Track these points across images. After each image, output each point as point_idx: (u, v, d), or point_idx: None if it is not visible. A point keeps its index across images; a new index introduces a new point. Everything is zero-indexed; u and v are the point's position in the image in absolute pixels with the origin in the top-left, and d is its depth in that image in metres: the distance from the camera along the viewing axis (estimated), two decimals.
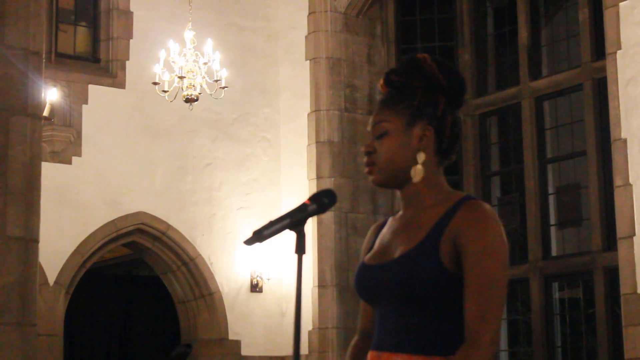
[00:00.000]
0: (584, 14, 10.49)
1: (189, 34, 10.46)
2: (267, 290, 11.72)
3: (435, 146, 2.62)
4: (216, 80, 10.30)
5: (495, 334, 2.44)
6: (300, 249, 2.39)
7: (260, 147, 12.03)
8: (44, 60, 6.14)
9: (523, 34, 11.08)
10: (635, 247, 8.95)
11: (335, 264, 11.38)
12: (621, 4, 9.30)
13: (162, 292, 12.40)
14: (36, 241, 5.93)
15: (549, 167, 10.94)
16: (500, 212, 11.14)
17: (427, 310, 2.51)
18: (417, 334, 2.51)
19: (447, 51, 11.76)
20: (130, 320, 14.92)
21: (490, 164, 11.53)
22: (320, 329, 11.33)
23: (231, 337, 11.58)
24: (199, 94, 10.34)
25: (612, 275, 9.68)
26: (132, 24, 11.51)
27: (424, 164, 2.59)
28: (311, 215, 2.43)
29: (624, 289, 9.04)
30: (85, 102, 11.11)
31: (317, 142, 11.67)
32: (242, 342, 11.62)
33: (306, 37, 11.95)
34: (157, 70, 10.22)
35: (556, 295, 10.77)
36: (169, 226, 11.38)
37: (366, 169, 2.64)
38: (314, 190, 11.18)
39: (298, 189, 11.63)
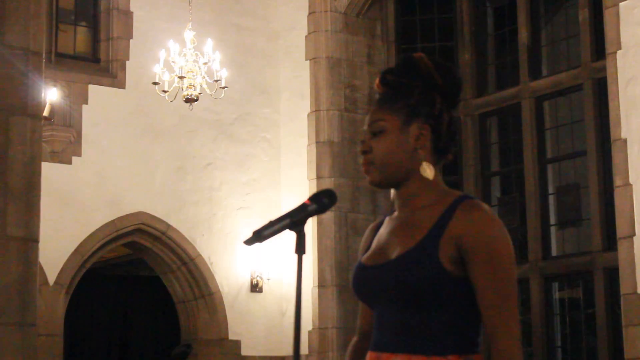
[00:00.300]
0: (584, 14, 10.49)
1: (189, 34, 10.46)
2: (267, 290, 11.72)
3: (432, 145, 2.62)
4: (216, 80, 10.30)
5: (519, 334, 2.48)
6: (300, 249, 2.39)
7: (260, 147, 12.03)
8: (44, 60, 6.14)
9: (523, 34, 11.08)
10: (635, 247, 8.95)
11: (335, 264, 11.38)
12: (621, 4, 9.30)
13: (162, 292, 12.40)
14: (36, 241, 5.93)
15: (549, 167, 10.94)
16: (500, 212, 11.14)
17: (425, 310, 2.50)
18: (416, 335, 2.51)
19: (447, 51, 11.76)
20: (130, 320, 14.93)
21: (490, 164, 11.53)
22: (320, 329, 11.33)
23: (231, 337, 11.58)
24: (199, 94, 10.34)
25: (612, 275, 9.68)
26: (132, 24, 11.51)
27: (424, 159, 2.59)
28: (311, 215, 2.43)
29: (624, 289, 9.04)
30: (85, 102, 11.11)
31: (317, 142, 11.67)
32: (242, 342, 11.62)
33: (306, 37, 11.95)
34: (157, 70, 10.22)
35: (556, 295, 10.77)
36: (169, 226, 11.38)
37: (363, 168, 2.64)
38: (314, 190, 11.18)
39: (298, 189, 11.63)
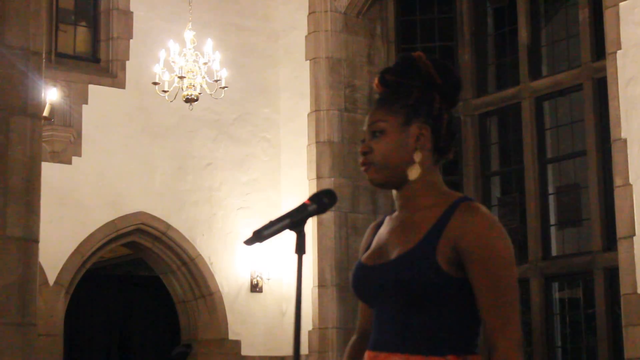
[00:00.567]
0: (584, 14, 10.49)
1: (189, 34, 10.46)
2: (267, 290, 11.72)
3: (432, 145, 2.62)
4: (216, 80, 10.30)
5: (520, 336, 2.46)
6: (300, 249, 2.39)
7: (260, 147, 12.03)
8: (44, 60, 6.14)
9: (523, 34, 11.08)
10: (635, 247, 8.96)
11: (335, 264, 11.38)
12: (621, 4, 9.30)
13: (162, 292, 12.40)
14: (36, 241, 5.93)
15: (549, 167, 10.94)
16: (500, 212, 11.14)
17: (424, 311, 2.51)
18: (415, 335, 2.51)
19: (447, 51, 11.76)
20: (130, 320, 14.93)
21: (490, 164, 11.53)
22: (320, 329, 11.33)
23: (231, 337, 11.58)
24: (199, 94, 10.34)
25: (612, 275, 9.68)
26: (132, 24, 11.51)
27: (420, 162, 2.59)
28: (311, 215, 2.43)
29: (624, 289, 9.04)
30: (85, 102, 11.11)
31: (317, 142, 11.67)
32: (242, 342, 11.62)
33: (306, 37, 11.95)
34: (157, 70, 10.22)
35: (556, 295, 10.77)
36: (169, 226, 11.38)
37: (363, 169, 2.64)
38: (314, 190, 11.18)
39: (298, 189, 11.63)
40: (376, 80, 2.70)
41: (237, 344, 11.60)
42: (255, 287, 11.68)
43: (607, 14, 9.44)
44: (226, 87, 10.46)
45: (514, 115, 11.28)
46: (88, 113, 11.10)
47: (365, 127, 2.66)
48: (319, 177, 11.58)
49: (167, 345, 13.38)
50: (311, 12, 11.91)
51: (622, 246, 9.10)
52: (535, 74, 11.03)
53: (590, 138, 10.31)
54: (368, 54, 12.01)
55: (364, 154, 2.62)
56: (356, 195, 11.60)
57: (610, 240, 9.87)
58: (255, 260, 11.60)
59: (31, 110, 5.95)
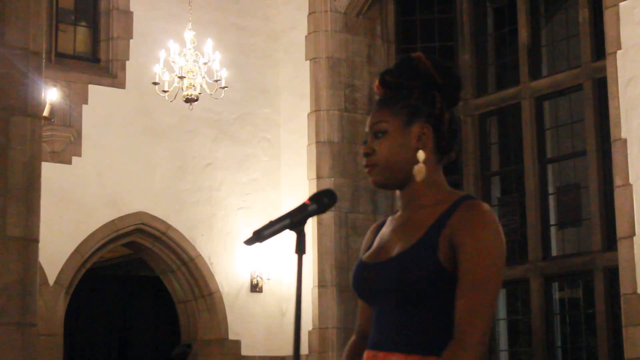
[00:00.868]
0: (584, 14, 10.49)
1: (189, 34, 10.46)
2: (267, 290, 11.72)
3: (434, 144, 2.62)
4: (216, 80, 10.30)
5: (484, 335, 2.43)
6: (300, 249, 2.39)
7: (260, 147, 12.03)
8: (44, 60, 6.14)
9: (523, 34, 11.08)
10: (635, 247, 8.95)
11: (335, 264, 11.38)
12: (621, 4, 9.30)
13: (162, 292, 12.41)
14: (36, 241, 5.93)
15: (549, 167, 10.94)
16: (500, 212, 11.14)
17: (423, 309, 2.51)
18: (414, 334, 2.51)
19: (447, 51, 11.76)
20: (130, 320, 14.93)
21: (490, 164, 11.53)
22: (320, 329, 11.33)
23: (231, 337, 11.58)
24: (199, 94, 10.34)
25: (612, 275, 9.68)
26: (132, 24, 11.51)
27: (424, 161, 2.59)
28: (311, 215, 2.43)
29: (624, 289, 9.04)
30: (85, 102, 11.11)
31: (317, 142, 11.67)
32: (242, 342, 11.62)
33: (306, 37, 11.95)
34: (157, 70, 10.22)
35: (556, 295, 10.77)
36: (169, 226, 11.38)
37: (367, 170, 2.64)
38: (314, 190, 11.18)
39: (298, 189, 11.63)
40: (376, 82, 2.70)
41: (237, 344, 11.60)
42: (255, 287, 11.68)
43: (607, 14, 9.44)
44: (226, 87, 10.46)
45: (514, 115, 11.28)
46: (88, 113, 11.10)
47: (367, 129, 2.66)
48: (319, 177, 11.58)
49: (167, 345, 13.38)
50: (311, 12, 11.91)
51: (622, 246, 9.10)
52: (535, 74, 11.03)
53: (590, 138, 10.31)
54: (368, 54, 12.01)
55: (367, 155, 2.62)
56: (356, 195, 11.60)
57: (610, 240, 9.87)
58: (255, 260, 11.60)
59: (31, 110, 5.95)
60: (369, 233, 2.79)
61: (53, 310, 10.62)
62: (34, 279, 5.91)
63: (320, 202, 2.44)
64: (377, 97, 2.71)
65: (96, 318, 14.52)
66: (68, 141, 10.89)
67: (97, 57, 11.52)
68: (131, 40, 11.48)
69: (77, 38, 11.62)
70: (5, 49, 5.85)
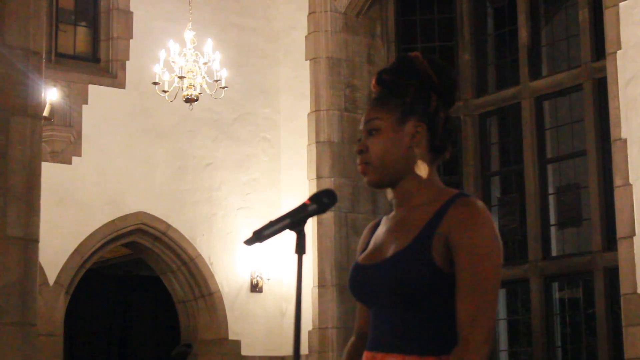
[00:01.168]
0: (584, 14, 10.49)
1: (189, 34, 10.46)
2: (267, 290, 11.72)
3: (428, 143, 2.61)
4: (216, 80, 10.30)
5: (489, 335, 2.43)
6: (300, 249, 2.39)
7: (260, 147, 12.03)
8: (44, 60, 6.14)
9: (523, 34, 11.08)
10: (635, 247, 8.96)
11: (335, 264, 11.38)
12: (621, 4, 9.30)
13: (162, 292, 12.41)
14: (36, 241, 5.93)
15: (549, 167, 10.94)
16: (500, 212, 11.14)
17: (420, 309, 2.50)
18: (411, 334, 2.51)
19: (447, 51, 11.76)
20: (130, 320, 14.93)
21: (490, 164, 11.53)
22: (320, 329, 11.33)
23: (231, 337, 11.58)
24: (199, 94, 10.34)
25: (612, 275, 9.68)
26: (132, 24, 11.51)
27: (420, 158, 2.59)
28: (311, 215, 2.43)
29: (624, 289, 9.04)
30: (85, 102, 11.11)
31: (317, 142, 11.67)
32: (242, 342, 11.62)
33: (306, 37, 11.95)
34: (157, 70, 10.22)
35: (556, 295, 10.77)
36: (169, 226, 11.38)
37: (360, 169, 2.64)
38: (314, 190, 11.18)
39: (298, 189, 11.63)
40: (373, 80, 2.70)
41: (237, 344, 11.60)
42: (255, 287, 11.68)
43: (607, 14, 9.44)
44: (226, 87, 10.46)
45: (514, 115, 11.28)
46: (88, 113, 11.10)
47: (361, 126, 2.66)
48: (319, 177, 11.58)
49: (167, 345, 13.38)
50: (311, 12, 11.91)
51: (622, 246, 9.10)
52: (535, 74, 11.03)
53: (590, 138, 10.31)
54: (368, 54, 12.01)
55: (360, 152, 2.62)
56: (356, 195, 11.60)
57: (610, 240, 9.87)
58: (255, 260, 11.60)
59: (31, 110, 5.95)
60: (364, 233, 2.78)
61: (53, 310, 10.62)
62: (34, 279, 5.91)
63: (320, 202, 2.44)
64: (373, 96, 2.71)
65: (96, 318, 14.52)
66: (68, 141, 10.88)
67: (97, 57, 11.51)
68: (131, 40, 11.48)
69: (77, 38, 11.62)
70: (5, 49, 5.85)
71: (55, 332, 10.65)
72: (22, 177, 5.84)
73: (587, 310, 10.54)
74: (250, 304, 11.67)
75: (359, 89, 11.87)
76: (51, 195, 10.00)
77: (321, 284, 11.37)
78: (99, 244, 11.05)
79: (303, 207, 2.43)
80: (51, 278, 10.63)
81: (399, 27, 12.18)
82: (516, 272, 10.65)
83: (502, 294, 11.01)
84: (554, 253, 10.80)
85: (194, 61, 10.35)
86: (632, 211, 9.01)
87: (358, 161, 2.63)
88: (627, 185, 9.08)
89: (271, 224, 2.40)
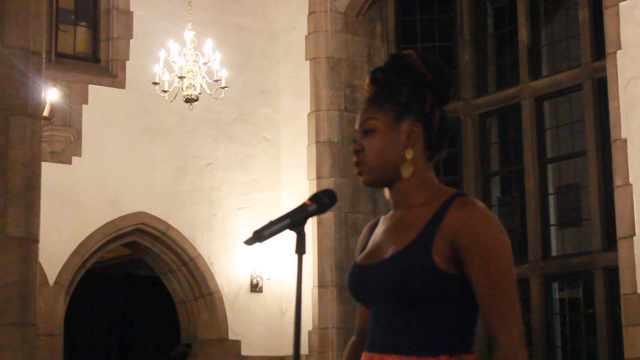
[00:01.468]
0: (584, 14, 10.49)
1: (189, 34, 10.46)
2: (267, 290, 11.72)
3: (424, 142, 2.61)
4: (216, 80, 10.30)
5: (521, 330, 2.44)
6: (300, 249, 2.38)
7: (260, 147, 12.03)
8: (44, 60, 6.14)
9: (523, 34, 11.08)
10: (635, 247, 8.95)
11: (335, 264, 11.38)
12: (621, 4, 9.30)
13: (162, 292, 12.40)
14: (36, 241, 5.93)
15: (549, 167, 10.94)
16: (500, 212, 11.14)
17: (419, 310, 2.50)
18: (410, 335, 2.50)
19: (447, 51, 11.76)
20: (130, 320, 14.93)
21: (490, 164, 11.53)
22: (320, 329, 11.33)
23: (231, 337, 11.58)
24: (199, 94, 10.34)
25: (612, 275, 9.68)
26: (132, 24, 11.51)
27: (413, 160, 2.58)
28: (311, 215, 2.42)
29: (624, 289, 9.04)
30: (85, 102, 11.11)
31: (317, 142, 11.67)
32: (242, 342, 11.62)
33: (306, 37, 11.95)
34: (157, 70, 10.22)
35: (556, 295, 10.77)
36: (169, 226, 11.38)
37: (356, 170, 2.63)
38: (314, 190, 11.18)
39: (298, 189, 11.63)
40: (367, 79, 2.69)
41: (237, 344, 11.60)
42: (255, 287, 11.68)
43: (607, 14, 9.44)
44: (226, 87, 10.46)
45: (514, 115, 11.28)
46: (88, 113, 11.10)
47: (356, 126, 2.65)
48: (319, 177, 11.58)
49: (167, 345, 13.38)
50: (311, 12, 11.91)
51: (622, 246, 9.10)
52: (535, 74, 11.03)
53: (590, 138, 10.31)
54: (368, 54, 12.01)
55: (356, 152, 2.61)
56: (356, 195, 11.60)
57: (610, 240, 9.87)
58: (255, 260, 11.60)
59: (31, 110, 5.95)
60: (363, 233, 2.77)
61: (53, 310, 10.62)
62: (34, 279, 5.91)
63: (320, 202, 2.44)
64: (367, 95, 2.70)
65: (96, 318, 14.52)
66: (68, 141, 10.88)
67: (97, 57, 11.51)
68: (131, 40, 11.48)
69: (77, 38, 11.62)
70: (5, 49, 5.85)
71: (55, 332, 10.64)
72: (22, 177, 5.84)
73: (587, 310, 10.54)
74: (250, 304, 11.67)
75: (359, 89, 11.87)
76: (51, 195, 10.00)
77: (321, 284, 11.37)
78: (99, 244, 11.05)
79: (303, 207, 2.42)
80: (51, 278, 10.63)
81: (399, 27, 12.18)
82: (516, 272, 10.62)
83: None
84: (554, 253, 10.80)
85: (194, 61, 10.35)
86: (632, 211, 9.01)
87: (354, 160, 2.62)
88: (627, 185, 9.08)
89: (271, 224, 2.40)
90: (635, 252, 8.94)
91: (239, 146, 11.89)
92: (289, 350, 11.26)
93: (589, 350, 10.42)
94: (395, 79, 2.62)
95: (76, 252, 10.84)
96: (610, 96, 9.34)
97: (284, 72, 12.21)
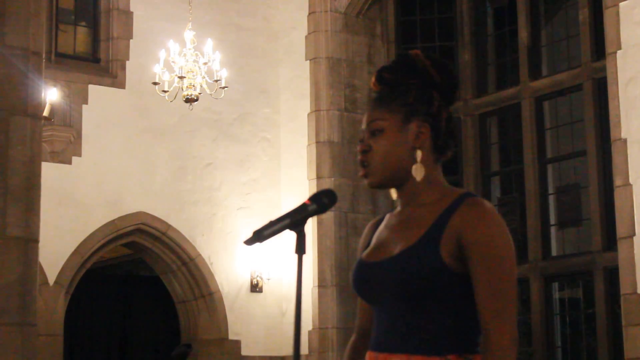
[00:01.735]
0: (584, 14, 10.48)
1: (189, 34, 10.46)
2: (267, 290, 11.72)
3: (432, 143, 2.61)
4: (216, 80, 10.30)
5: (514, 333, 2.44)
6: (300, 249, 2.38)
7: (260, 147, 12.03)
8: (44, 60, 6.14)
9: (523, 34, 11.08)
10: (635, 247, 8.95)
11: (335, 264, 11.38)
12: (621, 4, 9.30)
13: (162, 292, 12.40)
14: (36, 241, 5.93)
15: (549, 167, 10.94)
16: (500, 212, 11.11)
17: (425, 308, 2.50)
18: (416, 333, 2.50)
19: (447, 51, 11.76)
20: (130, 320, 14.92)
21: (490, 164, 11.53)
22: (320, 329, 11.33)
23: (231, 337, 11.58)
24: (199, 94, 10.34)
25: (612, 275, 9.68)
26: (132, 24, 11.51)
27: (422, 161, 2.58)
28: (311, 215, 2.42)
29: (624, 289, 9.04)
30: (85, 102, 11.11)
31: (317, 142, 11.67)
32: (242, 342, 11.62)
33: (306, 37, 11.95)
34: (157, 70, 10.22)
35: (556, 295, 10.77)
36: (169, 226, 11.38)
37: (361, 172, 2.62)
38: (314, 190, 11.17)
39: (298, 189, 11.63)
40: (373, 79, 2.68)
41: (237, 344, 11.60)
42: (255, 287, 11.68)
43: (607, 14, 9.44)
44: (226, 87, 10.46)
45: (514, 115, 11.28)
46: (88, 113, 11.10)
47: (363, 126, 2.64)
48: (319, 177, 11.58)
49: (167, 345, 13.37)
50: (311, 12, 11.91)
51: (622, 246, 9.10)
52: (535, 74, 11.03)
53: (590, 138, 10.31)
54: (368, 54, 12.01)
55: (364, 152, 2.61)
56: (356, 195, 11.60)
57: (610, 240, 9.87)
58: (255, 260, 11.60)
59: (31, 110, 5.95)
60: (366, 230, 2.77)
61: (53, 310, 10.62)
62: (34, 279, 5.91)
63: (320, 202, 2.43)
64: (373, 94, 2.69)
65: (96, 318, 14.51)
66: (68, 141, 10.89)
67: (97, 57, 11.51)
68: (131, 40, 11.48)
69: (77, 38, 11.62)
70: (5, 49, 5.85)
71: (55, 332, 10.65)
72: (22, 177, 5.84)
73: (587, 310, 10.54)
74: (250, 304, 11.67)
75: (359, 89, 11.87)
76: (51, 195, 10.00)
77: (321, 284, 11.37)
78: (99, 244, 11.05)
79: (303, 207, 2.42)
80: (51, 278, 10.63)
81: (399, 27, 12.18)
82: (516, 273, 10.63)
83: None
84: (554, 253, 10.80)
85: (194, 61, 10.35)
86: (632, 211, 9.01)
87: (359, 159, 2.61)
88: (627, 185, 9.08)
89: (271, 224, 2.40)
90: (635, 252, 8.94)
91: (239, 146, 11.89)
92: (289, 350, 11.26)
93: (589, 350, 10.42)
94: (402, 79, 2.62)
95: (76, 252, 10.85)
96: (610, 96, 9.34)
97: (284, 72, 12.21)
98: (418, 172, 2.57)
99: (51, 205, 10.05)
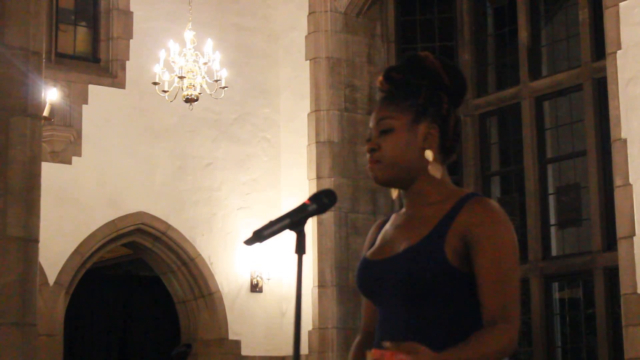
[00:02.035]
0: (584, 14, 10.48)
1: (189, 34, 10.46)
2: (267, 290, 11.72)
3: (439, 145, 2.62)
4: (216, 80, 10.30)
5: (517, 328, 2.46)
6: (300, 249, 2.39)
7: (260, 147, 12.03)
8: (44, 60, 6.14)
9: (523, 34, 11.08)
10: (635, 247, 8.95)
11: (335, 264, 11.38)
12: (621, 4, 9.30)
13: (162, 292, 12.40)
14: (36, 241, 5.93)
15: (549, 167, 10.94)
16: None
17: (430, 306, 2.51)
18: (420, 331, 2.50)
19: (447, 51, 11.76)
20: (130, 320, 14.92)
21: (490, 164, 11.53)
22: (320, 329, 11.33)
23: (231, 337, 11.58)
24: (199, 94, 10.34)
25: (612, 275, 9.68)
26: (132, 24, 11.51)
27: (433, 160, 2.60)
28: (311, 215, 2.43)
29: (624, 289, 9.04)
30: (85, 102, 11.11)
31: (317, 142, 11.67)
32: (242, 342, 11.62)
33: (306, 37, 11.95)
34: (157, 70, 10.22)
35: (556, 295, 10.77)
36: (169, 226, 11.38)
37: (369, 166, 2.62)
38: (314, 190, 11.17)
39: (298, 189, 11.63)
40: (381, 77, 2.68)
41: (237, 344, 11.60)
42: (255, 287, 11.68)
43: (607, 14, 9.44)
44: (226, 87, 10.46)
45: (514, 115, 11.28)
46: (88, 113, 11.10)
47: (372, 124, 2.65)
48: (319, 177, 11.58)
49: (167, 345, 13.37)
50: (311, 12, 11.91)
51: (622, 246, 9.10)
52: (535, 74, 11.03)
53: (590, 138, 10.31)
54: (368, 54, 12.01)
55: (372, 150, 2.61)
56: (356, 195, 11.60)
57: (610, 240, 9.87)
58: (255, 260, 11.60)
59: (31, 110, 5.96)
60: (372, 230, 2.78)
61: (53, 310, 10.62)
62: (34, 279, 5.91)
63: (320, 202, 2.44)
64: (380, 93, 2.70)
65: (96, 318, 14.51)
66: (68, 141, 10.89)
67: (97, 57, 11.52)
68: (131, 40, 11.48)
69: (77, 38, 11.62)
70: (5, 49, 5.86)
71: (55, 332, 10.65)
72: (22, 177, 5.84)
73: (587, 310, 10.54)
74: (250, 304, 11.67)
75: (359, 89, 11.87)
76: (51, 195, 10.00)
77: (321, 284, 11.37)
78: (99, 244, 11.05)
79: (303, 207, 2.43)
80: (51, 278, 10.63)
81: (399, 27, 12.18)
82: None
83: None
84: (554, 253, 10.79)
85: (194, 61, 10.35)
86: (632, 211, 9.01)
87: (368, 157, 2.62)
88: (627, 185, 9.08)
89: (271, 224, 2.40)
90: (635, 252, 8.94)
91: (239, 146, 11.89)
92: (289, 350, 11.26)
93: (589, 350, 10.42)
94: (411, 79, 2.62)
95: (76, 252, 10.85)
96: (610, 96, 9.34)
97: (284, 72, 12.21)
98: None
99: (51, 205, 10.05)
